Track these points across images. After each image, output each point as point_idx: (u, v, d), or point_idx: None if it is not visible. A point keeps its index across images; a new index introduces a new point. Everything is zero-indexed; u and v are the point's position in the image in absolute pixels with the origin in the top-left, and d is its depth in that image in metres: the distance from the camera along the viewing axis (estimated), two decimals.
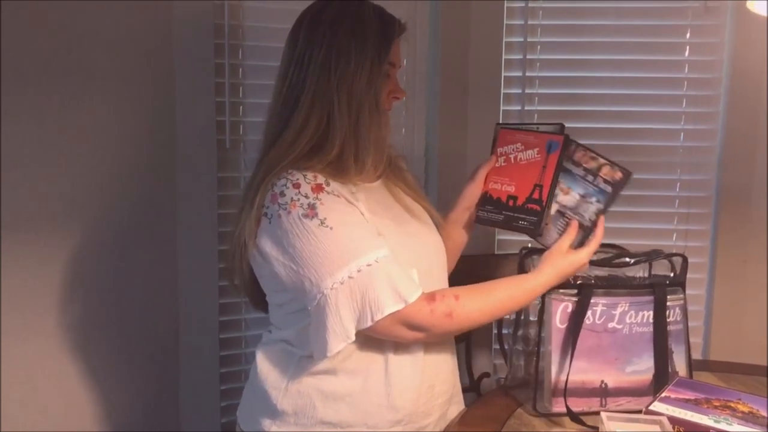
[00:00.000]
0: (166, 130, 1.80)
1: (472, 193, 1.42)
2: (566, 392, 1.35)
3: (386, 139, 1.34)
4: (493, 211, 1.37)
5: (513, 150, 1.37)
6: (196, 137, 1.83)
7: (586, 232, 1.31)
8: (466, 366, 2.02)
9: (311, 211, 1.16)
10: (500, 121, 1.46)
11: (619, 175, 1.30)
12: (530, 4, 2.04)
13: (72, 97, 1.67)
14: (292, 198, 1.17)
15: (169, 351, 1.86)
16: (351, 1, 1.27)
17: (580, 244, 1.31)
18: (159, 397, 1.86)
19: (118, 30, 1.70)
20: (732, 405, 1.29)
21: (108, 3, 1.68)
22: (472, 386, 2.01)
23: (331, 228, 1.16)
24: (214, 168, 1.85)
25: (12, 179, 1.61)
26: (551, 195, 1.31)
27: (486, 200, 1.39)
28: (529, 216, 1.33)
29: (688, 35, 2.02)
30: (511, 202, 1.35)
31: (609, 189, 1.30)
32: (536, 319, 1.40)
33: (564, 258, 1.29)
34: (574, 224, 1.29)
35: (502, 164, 1.38)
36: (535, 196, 1.32)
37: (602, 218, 1.31)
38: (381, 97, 1.28)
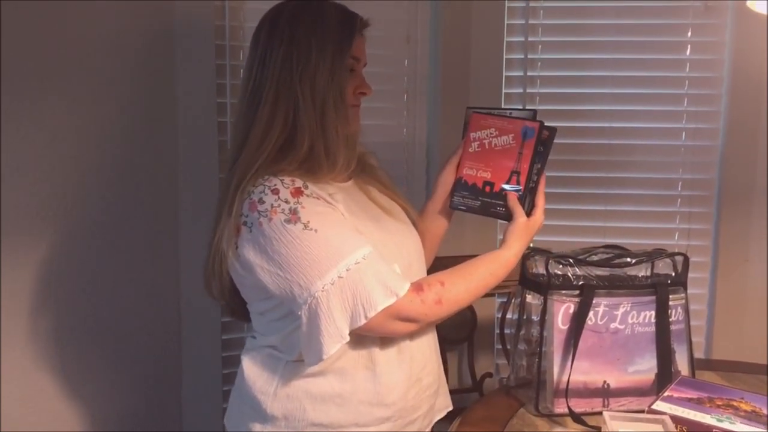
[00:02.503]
0: (167, 131, 1.80)
1: (447, 180, 1.41)
2: (568, 392, 1.35)
3: (356, 136, 1.33)
4: (469, 197, 1.37)
5: (487, 135, 1.36)
6: (198, 138, 1.83)
7: (532, 194, 1.33)
8: (468, 366, 2.02)
9: (293, 216, 1.16)
10: (471, 105, 1.44)
11: (546, 133, 1.32)
12: (531, 4, 2.04)
13: (72, 98, 1.67)
14: (272, 204, 1.16)
15: (172, 352, 1.87)
16: (310, 0, 1.27)
17: (531, 204, 1.33)
18: (161, 397, 1.87)
19: (118, 31, 1.71)
20: (735, 404, 1.29)
21: (109, 4, 1.68)
22: (474, 386, 2.01)
23: (315, 231, 1.16)
24: (216, 169, 1.85)
25: (10, 179, 1.61)
26: (529, 182, 1.31)
27: (461, 186, 1.38)
28: (506, 202, 1.33)
29: (689, 34, 2.02)
30: (487, 188, 1.35)
31: (542, 149, 1.32)
32: (538, 319, 1.41)
33: (525, 227, 1.32)
34: (512, 197, 1.32)
35: (476, 150, 1.37)
36: (513, 182, 1.32)
37: (543, 176, 1.34)
38: (346, 91, 1.27)
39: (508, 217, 1.32)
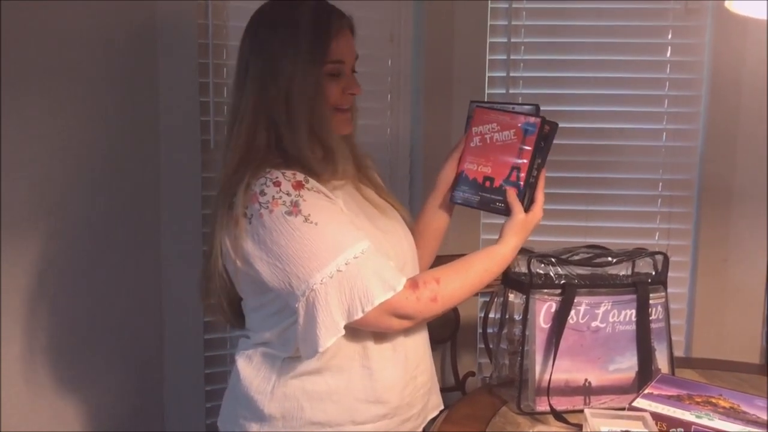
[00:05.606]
0: (149, 130, 1.79)
1: (448, 174, 1.40)
2: (550, 391, 1.36)
3: (350, 138, 1.33)
4: (469, 191, 1.37)
5: (489, 130, 1.36)
6: (180, 138, 1.82)
7: (532, 189, 1.33)
8: (451, 365, 2.03)
9: (294, 209, 1.16)
10: (474, 99, 1.44)
11: (547, 128, 1.32)
12: (514, 5, 2.05)
13: (54, 97, 1.65)
14: (273, 196, 1.17)
15: (154, 352, 1.85)
16: (291, 2, 1.26)
17: (530, 200, 1.33)
18: (144, 397, 1.85)
19: (101, 30, 1.69)
20: (713, 401, 1.30)
21: (91, 3, 1.67)
22: (457, 385, 2.02)
23: (316, 224, 1.16)
24: (198, 168, 1.84)
25: None
26: (529, 177, 1.32)
27: (462, 180, 1.38)
28: (505, 198, 1.33)
29: (669, 36, 2.05)
30: (487, 183, 1.35)
31: (542, 144, 1.32)
32: (520, 318, 1.41)
33: (522, 223, 1.32)
34: (510, 192, 1.32)
35: (478, 144, 1.37)
36: (513, 178, 1.32)
37: (543, 171, 1.34)
38: (328, 97, 1.26)
39: (507, 212, 1.32)
